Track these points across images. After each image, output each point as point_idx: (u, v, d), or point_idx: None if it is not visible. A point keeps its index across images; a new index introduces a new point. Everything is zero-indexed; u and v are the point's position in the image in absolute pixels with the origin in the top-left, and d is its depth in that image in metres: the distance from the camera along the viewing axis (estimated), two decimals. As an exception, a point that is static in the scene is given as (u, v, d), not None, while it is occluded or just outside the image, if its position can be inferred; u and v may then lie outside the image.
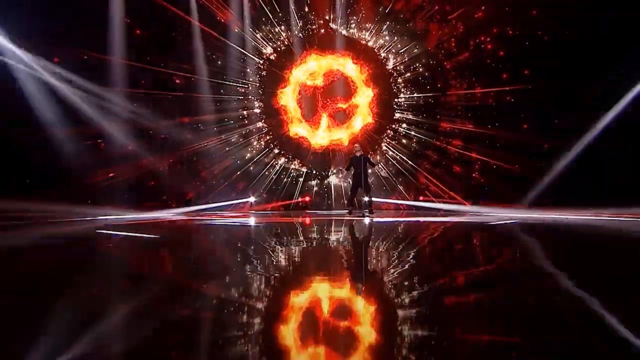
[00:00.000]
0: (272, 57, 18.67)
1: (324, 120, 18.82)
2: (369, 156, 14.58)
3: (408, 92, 18.29)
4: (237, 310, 3.56)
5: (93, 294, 4.26)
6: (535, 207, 14.08)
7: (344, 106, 18.78)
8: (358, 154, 13.42)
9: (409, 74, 18.18)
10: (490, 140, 16.89)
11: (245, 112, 18.82)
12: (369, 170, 13.70)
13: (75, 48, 14.90)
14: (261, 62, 18.65)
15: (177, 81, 17.72)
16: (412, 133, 18.17)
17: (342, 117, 18.87)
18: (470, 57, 17.35)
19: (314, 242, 7.92)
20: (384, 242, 7.93)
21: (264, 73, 18.74)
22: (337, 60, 18.61)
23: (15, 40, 13.57)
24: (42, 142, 13.73)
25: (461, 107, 17.69)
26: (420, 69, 18.08)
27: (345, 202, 14.83)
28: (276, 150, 19.00)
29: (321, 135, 18.86)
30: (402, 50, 18.03)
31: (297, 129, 18.93)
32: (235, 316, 3.41)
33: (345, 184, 18.07)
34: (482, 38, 17.18)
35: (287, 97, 18.93)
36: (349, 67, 18.60)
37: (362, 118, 18.71)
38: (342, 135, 18.80)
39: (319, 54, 18.60)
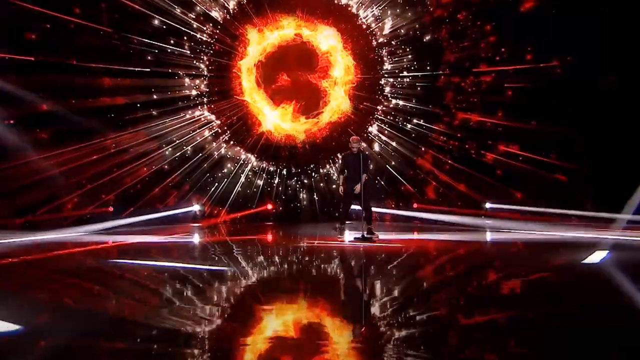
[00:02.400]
0: (222, 20, 14.28)
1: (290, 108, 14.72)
2: (367, 153, 10.42)
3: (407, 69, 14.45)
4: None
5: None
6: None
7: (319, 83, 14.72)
8: (355, 149, 9.34)
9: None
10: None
11: (187, 93, 14.31)
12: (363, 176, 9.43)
13: None
14: (209, 27, 14.21)
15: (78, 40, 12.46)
16: (409, 125, 14.43)
17: (310, 104, 14.83)
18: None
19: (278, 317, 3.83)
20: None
21: (211, 41, 14.31)
22: (310, 28, 14.53)
23: None
24: None
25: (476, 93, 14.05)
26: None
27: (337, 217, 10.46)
28: (231, 142, 14.67)
29: (289, 124, 14.75)
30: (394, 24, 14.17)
31: (261, 115, 14.72)
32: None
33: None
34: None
35: (245, 73, 14.65)
36: (327, 38, 14.57)
37: (337, 104, 14.75)
38: (311, 125, 14.78)
39: (284, 16, 14.43)
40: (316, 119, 14.74)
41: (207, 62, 14.34)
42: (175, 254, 7.72)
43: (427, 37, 14.02)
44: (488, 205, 13.58)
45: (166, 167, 13.90)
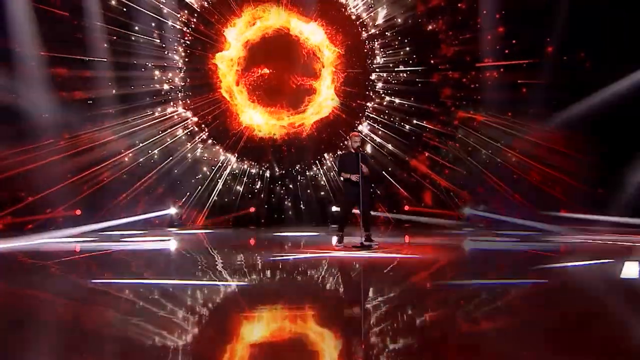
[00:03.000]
0: (199, 8, 13.07)
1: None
2: (365, 153, 9.29)
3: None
4: None
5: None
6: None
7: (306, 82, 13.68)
8: (355, 147, 8.29)
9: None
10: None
11: (163, 87, 13.06)
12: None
13: None
14: (184, 14, 12.98)
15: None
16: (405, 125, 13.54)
17: (294, 100, 13.75)
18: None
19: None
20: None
21: (188, 30, 13.08)
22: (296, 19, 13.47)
23: None
24: None
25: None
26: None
27: (332, 223, 9.18)
28: (209, 142, 13.49)
29: (271, 123, 13.67)
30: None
31: (242, 112, 13.58)
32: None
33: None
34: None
35: (225, 67, 13.48)
36: (312, 32, 13.53)
37: (324, 100, 13.74)
38: (298, 122, 13.73)
39: (268, 5, 13.33)
40: (301, 116, 13.70)
41: (183, 54, 13.11)
42: (154, 267, 6.53)
43: (424, 28, 13.08)
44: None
45: (138, 168, 12.63)
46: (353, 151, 7.99)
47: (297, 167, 13.75)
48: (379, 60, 13.43)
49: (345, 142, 13.53)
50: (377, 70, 13.48)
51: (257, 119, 13.64)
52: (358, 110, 13.64)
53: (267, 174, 13.74)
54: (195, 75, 13.24)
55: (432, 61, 13.20)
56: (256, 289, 4.75)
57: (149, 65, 12.74)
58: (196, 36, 13.06)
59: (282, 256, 7.45)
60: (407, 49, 13.20)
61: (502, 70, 12.61)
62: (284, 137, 13.65)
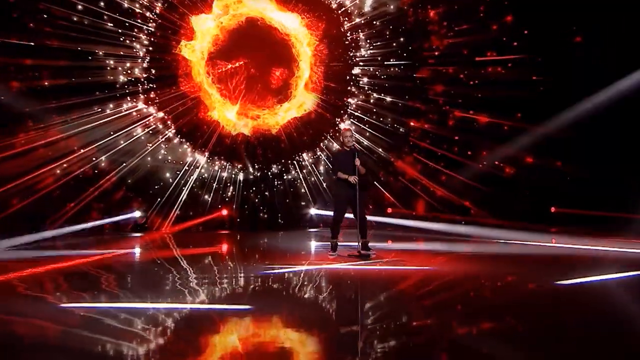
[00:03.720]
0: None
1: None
2: (359, 150, 8.01)
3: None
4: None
5: None
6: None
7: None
8: (350, 144, 7.24)
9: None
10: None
11: (114, 79, 11.57)
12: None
13: None
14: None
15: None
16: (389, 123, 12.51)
17: (270, 95, 12.58)
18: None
19: None
20: None
21: (152, 15, 11.67)
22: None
23: None
24: None
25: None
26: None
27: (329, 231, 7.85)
28: (176, 141, 12.12)
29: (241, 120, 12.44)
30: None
31: (212, 108, 12.26)
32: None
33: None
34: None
35: (194, 58, 12.14)
36: (290, 20, 12.36)
37: (302, 94, 12.62)
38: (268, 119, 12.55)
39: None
40: (277, 112, 12.51)
41: (146, 42, 11.68)
42: (114, 284, 5.19)
43: (413, 18, 12.06)
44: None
45: (97, 168, 11.16)
46: (347, 148, 6.99)
47: (273, 166, 12.53)
48: (363, 52, 12.40)
49: (326, 142, 12.59)
50: (361, 63, 12.45)
51: (229, 116, 12.36)
52: (340, 107, 12.57)
53: (241, 176, 12.46)
54: (159, 67, 11.82)
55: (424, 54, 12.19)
56: (257, 316, 3.57)
57: (100, 53, 11.21)
58: (161, 22, 11.66)
59: (274, 268, 6.29)
60: (397, 40, 12.22)
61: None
62: (258, 136, 12.41)
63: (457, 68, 11.87)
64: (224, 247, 9.51)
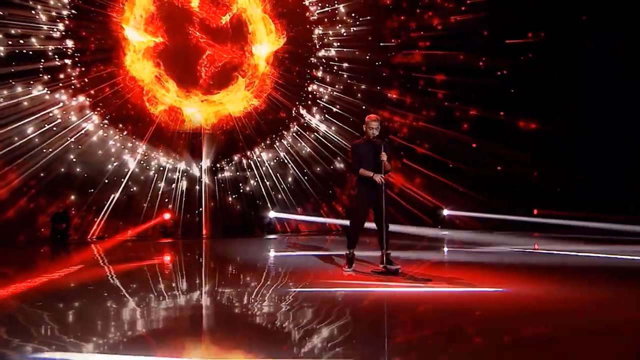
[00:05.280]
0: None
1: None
2: (386, 142, 6.21)
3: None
4: None
5: None
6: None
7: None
8: (375, 133, 5.67)
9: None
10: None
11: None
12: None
13: None
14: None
15: None
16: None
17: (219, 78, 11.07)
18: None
19: None
20: None
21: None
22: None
23: None
24: None
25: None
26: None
27: (345, 238, 6.11)
28: (105, 126, 10.26)
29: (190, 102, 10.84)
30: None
31: (152, 92, 10.51)
32: None
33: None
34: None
35: (128, 33, 10.33)
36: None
37: (255, 78, 11.22)
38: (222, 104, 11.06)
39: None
40: (226, 99, 11.02)
41: (69, 12, 9.73)
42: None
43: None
44: (445, 212, 11.33)
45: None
46: (371, 140, 5.66)
47: (223, 160, 11.05)
48: (321, 31, 11.18)
49: (284, 132, 11.29)
50: (325, 47, 11.25)
51: (173, 100, 10.70)
52: (298, 94, 11.30)
53: (188, 168, 10.87)
54: (87, 45, 9.92)
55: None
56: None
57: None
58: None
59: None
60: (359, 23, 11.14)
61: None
62: (205, 124, 10.86)
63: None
64: (167, 259, 7.89)
